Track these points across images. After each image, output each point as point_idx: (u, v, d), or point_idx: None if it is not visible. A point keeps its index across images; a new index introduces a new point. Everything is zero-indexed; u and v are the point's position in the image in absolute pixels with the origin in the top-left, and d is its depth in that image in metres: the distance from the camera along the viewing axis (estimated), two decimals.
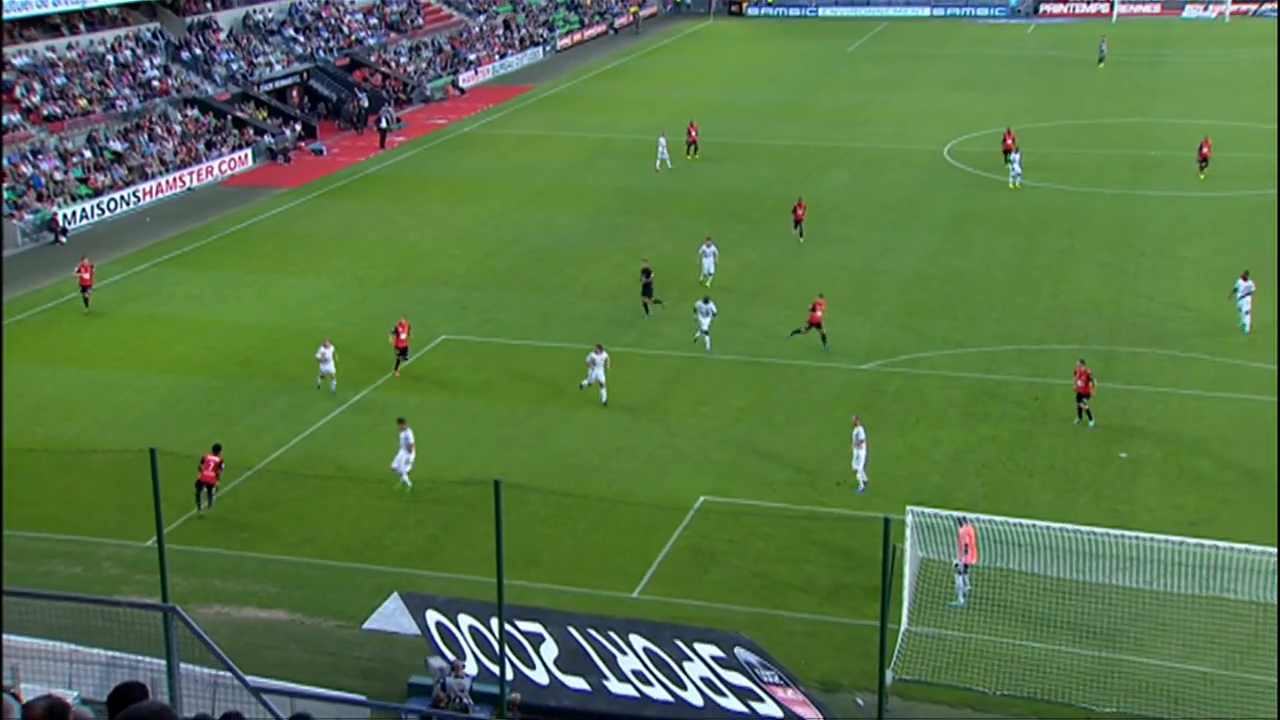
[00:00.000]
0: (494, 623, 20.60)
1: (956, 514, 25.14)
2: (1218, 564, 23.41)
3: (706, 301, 38.77)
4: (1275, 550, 23.71)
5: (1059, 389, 35.12)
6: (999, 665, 22.84)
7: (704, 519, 29.23)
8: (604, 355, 35.14)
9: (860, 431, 29.86)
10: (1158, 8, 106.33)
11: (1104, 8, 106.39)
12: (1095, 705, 21.86)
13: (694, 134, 62.50)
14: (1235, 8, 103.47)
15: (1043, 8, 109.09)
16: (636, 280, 42.80)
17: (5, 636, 12.37)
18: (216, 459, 29.66)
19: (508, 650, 20.56)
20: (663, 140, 60.81)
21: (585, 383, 35.22)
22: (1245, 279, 38.45)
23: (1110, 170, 56.91)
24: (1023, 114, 69.99)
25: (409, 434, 30.64)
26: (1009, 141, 58.13)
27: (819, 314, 38.40)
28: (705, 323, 38.32)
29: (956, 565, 24.77)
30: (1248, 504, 29.12)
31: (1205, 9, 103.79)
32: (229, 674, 12.25)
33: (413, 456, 30.53)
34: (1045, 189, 55.04)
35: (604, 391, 34.92)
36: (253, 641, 24.60)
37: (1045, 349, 37.95)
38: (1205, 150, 55.62)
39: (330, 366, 35.88)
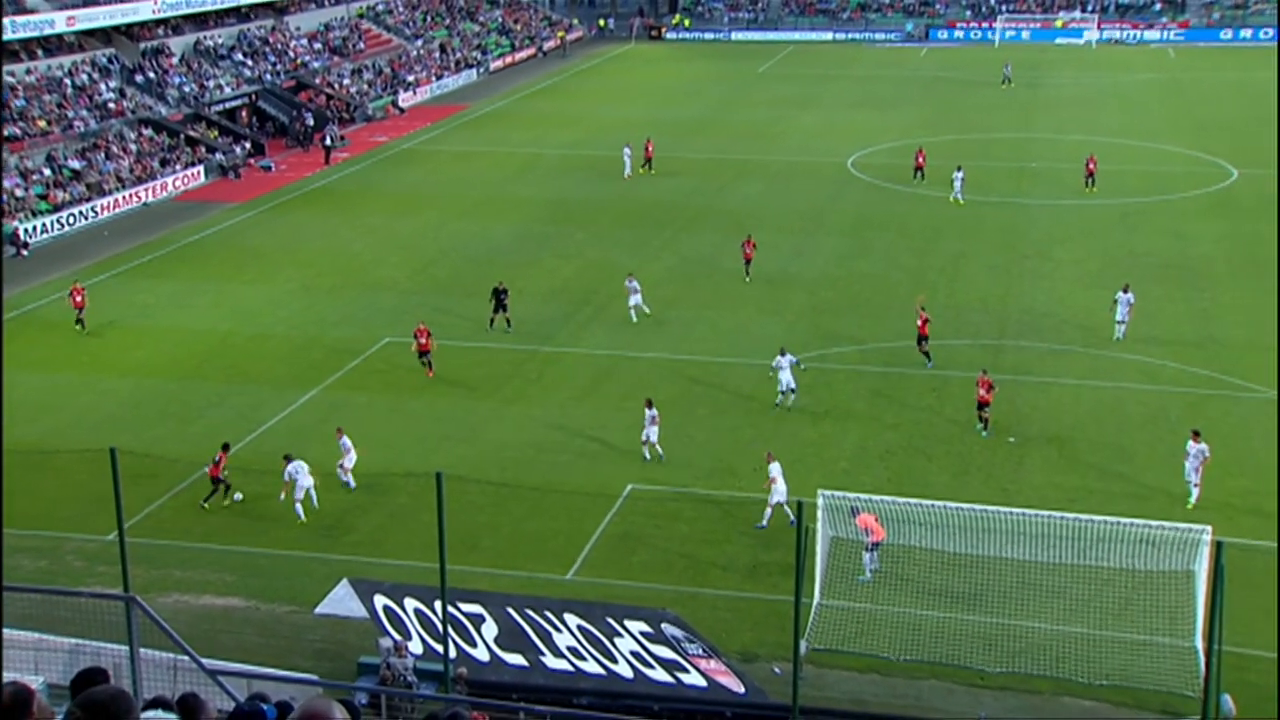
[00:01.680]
0: (437, 605, 20.49)
1: (858, 498, 25.39)
2: (1093, 536, 23.93)
3: (784, 354, 34.14)
4: (1143, 522, 24.31)
5: (954, 380, 35.62)
6: (902, 633, 23.14)
7: (632, 505, 29.26)
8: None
9: (775, 467, 28.24)
10: (1036, 26, 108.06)
11: (990, 34, 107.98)
12: (987, 666, 22.22)
13: (650, 150, 62.58)
14: (1101, 35, 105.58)
15: (934, 33, 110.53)
16: (568, 284, 42.75)
17: None
18: (222, 455, 29.53)
19: (451, 630, 20.46)
20: (627, 151, 61.55)
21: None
22: (1126, 291, 38.10)
23: (995, 181, 57.80)
24: (917, 129, 70.90)
25: (346, 440, 30.23)
26: (920, 159, 58.76)
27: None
28: (786, 378, 33.60)
29: (865, 544, 25.03)
30: (1118, 480, 29.75)
31: (1078, 36, 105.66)
32: (187, 658, 12.07)
33: (350, 461, 30.05)
34: (940, 198, 55.77)
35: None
36: (211, 627, 24.25)
37: (941, 344, 38.41)
38: (1091, 166, 56.59)
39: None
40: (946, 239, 49.83)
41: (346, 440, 30.28)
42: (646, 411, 31.22)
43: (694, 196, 57.60)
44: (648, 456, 31.12)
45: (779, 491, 27.57)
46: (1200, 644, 20.89)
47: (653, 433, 31.02)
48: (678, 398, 35.25)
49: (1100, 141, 64.79)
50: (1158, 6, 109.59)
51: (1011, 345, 38.32)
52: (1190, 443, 28.46)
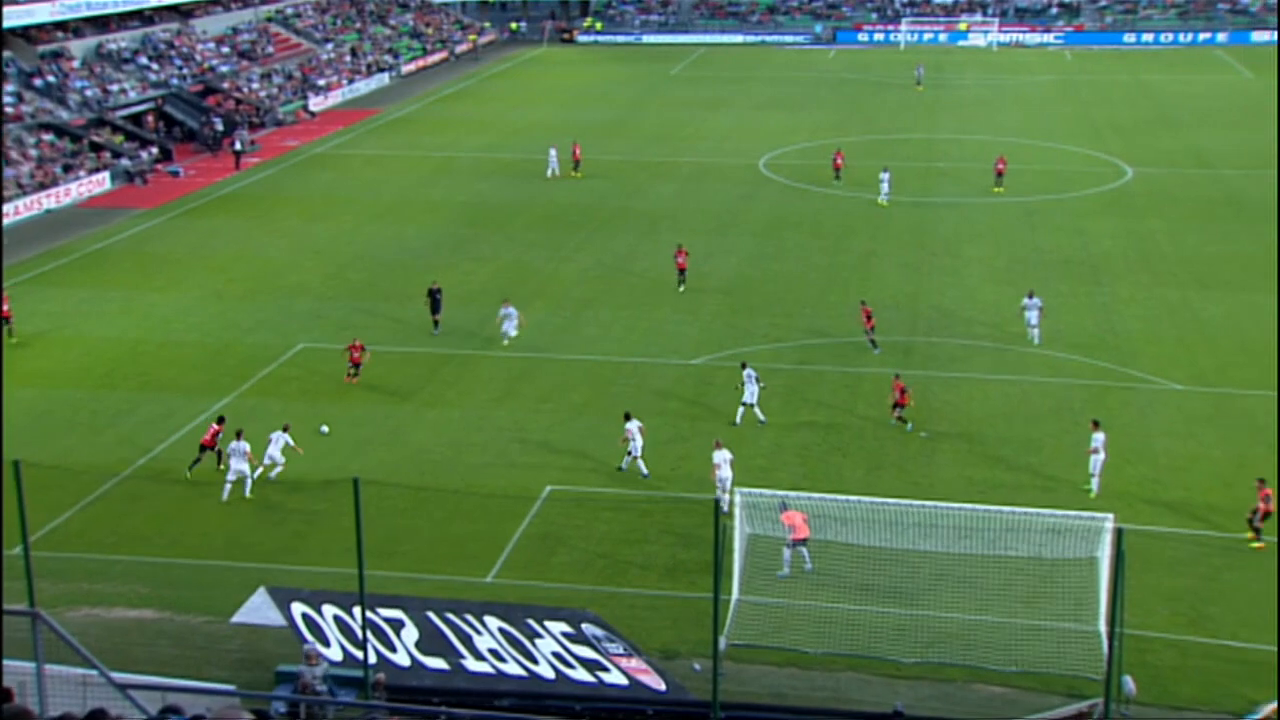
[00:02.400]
0: (357, 611, 20.25)
1: (780, 494, 25.61)
2: (1002, 526, 24.39)
3: (744, 368, 33.75)
4: (1049, 512, 24.82)
5: (867, 377, 36.09)
6: (819, 627, 23.34)
7: (551, 506, 29.18)
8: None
9: (721, 454, 28.85)
10: (940, 29, 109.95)
11: (895, 37, 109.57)
12: (902, 657, 22.52)
13: (578, 152, 62.42)
14: (1002, 38, 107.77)
15: (841, 36, 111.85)
16: (485, 287, 42.50)
17: None
18: (217, 427, 30.70)
19: (370, 636, 20.24)
20: (553, 152, 61.67)
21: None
22: (1031, 296, 38.41)
23: (904, 180, 58.59)
24: (828, 130, 71.75)
25: (244, 445, 29.72)
26: (839, 161, 59.31)
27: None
28: (751, 392, 33.08)
29: (787, 542, 25.22)
30: (1026, 472, 30.37)
31: (981, 39, 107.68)
32: (96, 673, 11.76)
33: (246, 467, 29.74)
34: (850, 197, 56.46)
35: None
36: (123, 640, 23.66)
37: (853, 341, 38.91)
38: (1001, 167, 57.66)
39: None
40: (858, 238, 50.46)
41: (245, 445, 29.77)
42: (628, 424, 30.57)
43: (609, 198, 57.64)
44: (645, 472, 30.32)
45: (723, 479, 28.06)
46: (1103, 628, 21.39)
47: (637, 445, 30.32)
48: (595, 399, 35.24)
49: (1003, 141, 66.11)
50: (1054, 10, 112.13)
51: (922, 342, 38.91)
52: (1094, 434, 29.04)
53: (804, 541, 25.17)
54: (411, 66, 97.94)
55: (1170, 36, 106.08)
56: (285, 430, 30.58)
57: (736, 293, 44.06)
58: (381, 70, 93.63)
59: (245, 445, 29.61)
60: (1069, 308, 41.47)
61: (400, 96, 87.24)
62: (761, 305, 42.73)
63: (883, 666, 22.50)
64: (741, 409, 33.23)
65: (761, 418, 33.16)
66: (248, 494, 29.52)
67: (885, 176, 55.14)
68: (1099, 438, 28.78)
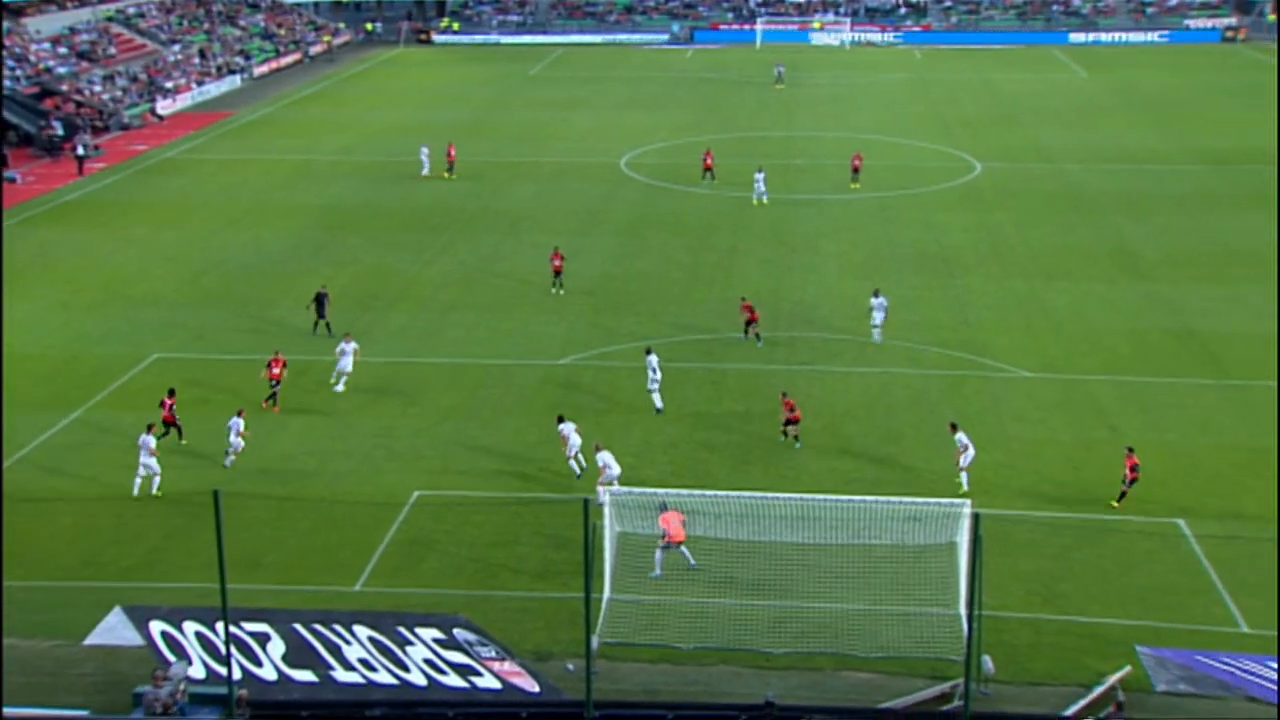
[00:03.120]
0: (220, 626, 19.71)
1: (643, 492, 25.77)
2: (867, 516, 25.01)
3: (650, 353, 34.37)
4: (910, 500, 25.53)
5: (732, 374, 36.57)
6: (691, 622, 23.57)
7: (419, 512, 28.85)
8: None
9: (604, 455, 29.03)
10: (794, 28, 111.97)
11: (752, 36, 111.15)
12: (773, 648, 22.88)
13: (452, 154, 61.72)
14: (853, 36, 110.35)
15: (698, 35, 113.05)
16: (345, 292, 41.74)
17: None
18: (170, 400, 31.91)
19: (235, 651, 19.73)
20: (425, 151, 61.26)
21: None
22: (878, 295, 38.78)
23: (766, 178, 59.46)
24: (686, 129, 72.47)
25: (151, 440, 29.62)
26: (708, 160, 59.80)
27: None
28: (652, 379, 33.74)
29: (661, 544, 25.35)
30: (888, 461, 31.16)
31: (834, 38, 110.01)
32: None
33: (155, 462, 29.52)
34: (715, 196, 57.09)
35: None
36: None
37: (719, 338, 39.39)
38: (857, 163, 58.93)
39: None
40: (720, 235, 51.07)
41: (150, 442, 29.44)
42: (562, 426, 30.43)
43: (470, 199, 57.24)
44: (578, 471, 30.14)
45: (610, 476, 28.32)
46: (963, 611, 22.08)
47: (574, 445, 30.14)
48: (461, 403, 34.95)
49: (859, 138, 67.68)
50: (902, 10, 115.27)
51: (784, 337, 39.57)
52: (956, 436, 29.61)
53: (680, 544, 25.34)
54: (264, 68, 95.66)
55: (1008, 37, 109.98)
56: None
57: (601, 292, 44.17)
58: (232, 72, 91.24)
59: (152, 440, 29.38)
60: (924, 300, 42.67)
61: (253, 99, 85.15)
62: (626, 304, 42.93)
63: (754, 659, 22.84)
64: (657, 396, 33.96)
65: (659, 405, 33.75)
66: (155, 491, 29.15)
67: (760, 176, 55.78)
68: (961, 437, 29.41)
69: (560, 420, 30.82)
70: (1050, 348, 38.35)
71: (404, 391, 35.70)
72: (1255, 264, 46.03)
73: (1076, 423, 33.13)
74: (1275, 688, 20.43)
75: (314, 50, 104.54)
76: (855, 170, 58.63)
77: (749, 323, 38.71)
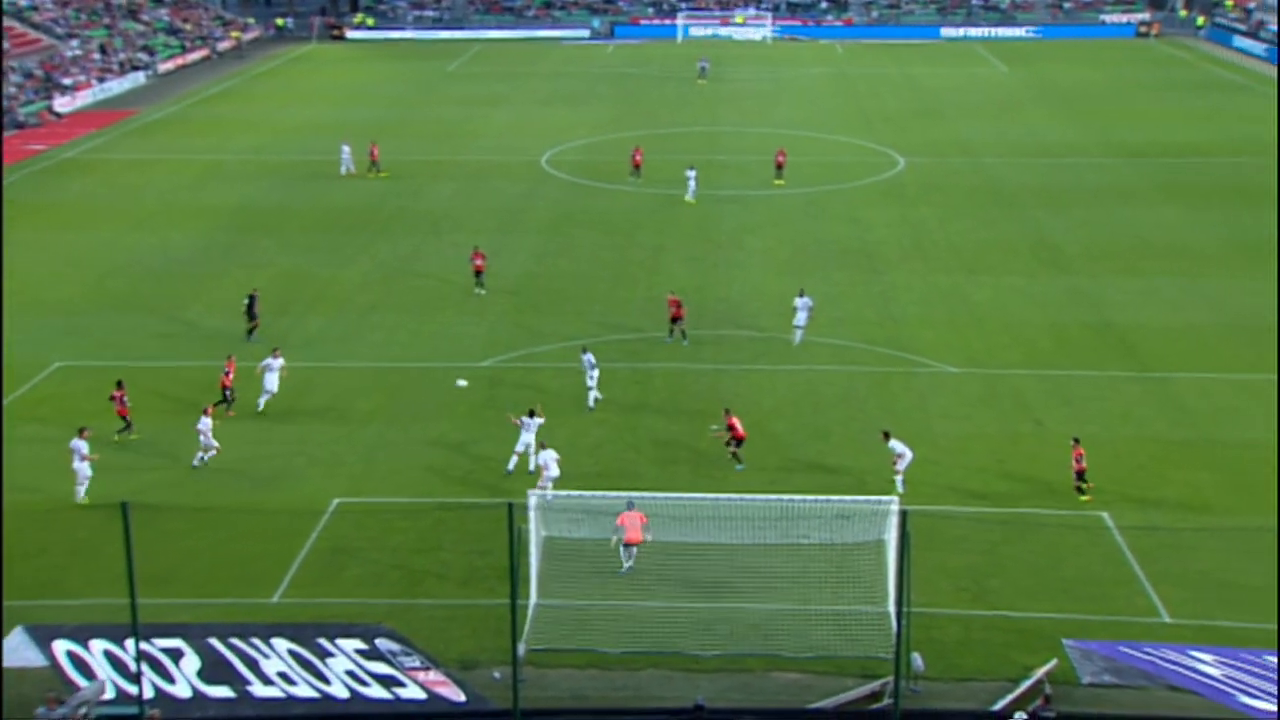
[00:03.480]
0: (130, 644, 19.31)
1: (569, 495, 25.73)
2: (795, 515, 25.25)
3: (585, 352, 34.71)
4: (838, 499, 25.79)
5: (658, 373, 36.66)
6: (619, 626, 23.60)
7: (340, 519, 28.53)
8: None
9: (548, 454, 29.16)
10: (716, 22, 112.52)
11: (673, 31, 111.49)
12: (702, 651, 22.99)
13: (375, 153, 61.04)
14: (775, 31, 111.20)
15: (619, 30, 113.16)
16: (260, 296, 41.01)
17: None
18: (120, 393, 32.08)
19: (146, 669, 19.35)
20: (345, 149, 60.70)
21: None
22: (802, 295, 38.76)
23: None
24: (609, 125, 72.52)
25: (83, 444, 29.26)
26: (637, 158, 59.66)
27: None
28: (593, 377, 34.15)
29: (614, 541, 25.30)
30: (816, 459, 31.43)
31: (756, 32, 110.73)
32: None
33: (87, 466, 29.15)
34: (636, 193, 57.16)
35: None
36: None
37: (644, 337, 39.46)
38: (781, 159, 59.35)
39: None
40: (645, 232, 51.16)
41: (83, 446, 29.19)
42: (529, 420, 30.51)
43: (388, 199, 56.72)
44: (531, 467, 30.05)
45: (549, 477, 28.32)
46: (893, 608, 22.37)
47: (529, 440, 30.26)
48: (382, 407, 34.63)
49: (782, 134, 68.20)
50: (824, 4, 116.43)
51: (710, 335, 39.75)
52: (890, 443, 29.79)
53: (633, 546, 25.28)
54: (170, 65, 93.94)
55: (929, 31, 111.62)
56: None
57: (524, 292, 44.02)
58: (136, 69, 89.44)
59: (84, 445, 28.97)
60: (849, 297, 43.13)
61: (159, 97, 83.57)
62: (550, 304, 42.83)
63: (683, 661, 22.92)
64: (592, 394, 34.06)
65: (592, 400, 33.99)
66: (82, 499, 28.91)
67: (691, 174, 55.84)
68: (895, 445, 29.59)
69: (531, 414, 30.85)
70: (974, 342, 38.98)
71: (322, 397, 35.27)
72: (1169, 256, 47.23)
73: (1001, 417, 33.71)
74: (1196, 676, 21.00)
75: (222, 46, 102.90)
76: (779, 166, 59.09)
77: (674, 319, 38.75)
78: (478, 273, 43.78)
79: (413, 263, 47.53)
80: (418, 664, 20.51)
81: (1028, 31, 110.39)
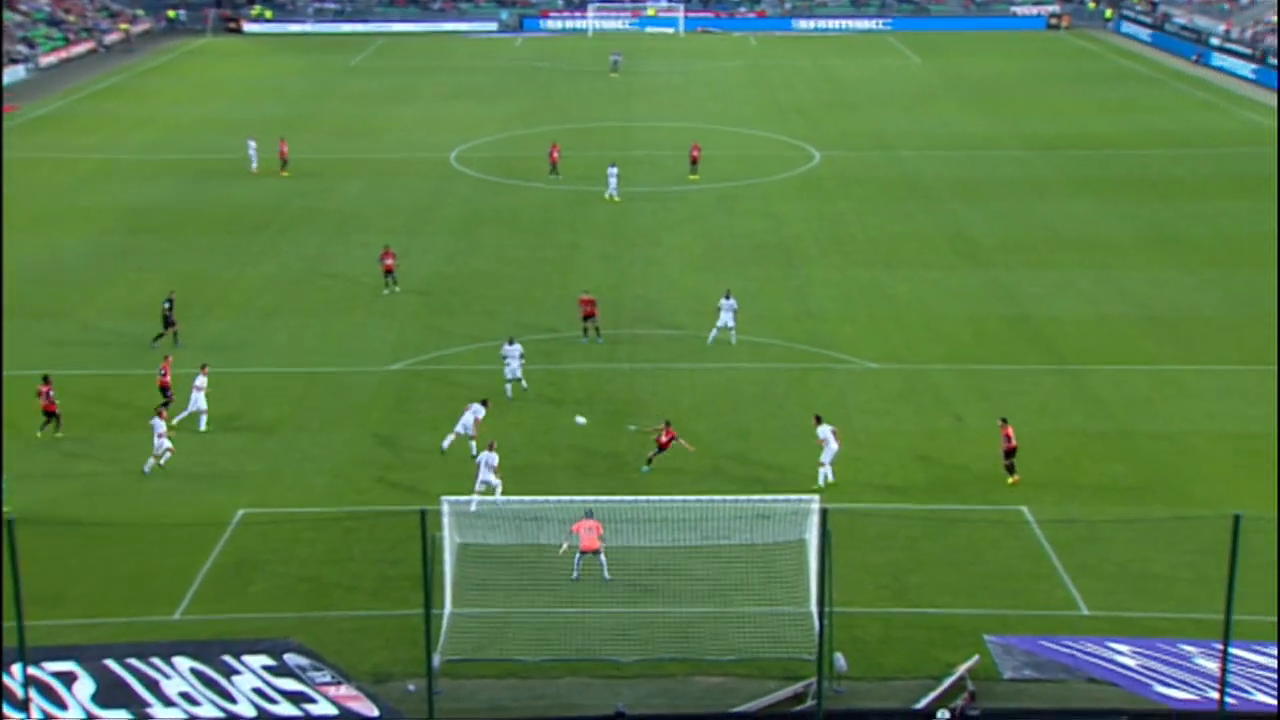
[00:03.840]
0: (16, 669, 18.77)
1: (482, 500, 25.54)
2: (715, 516, 25.36)
3: (512, 343, 34.98)
4: (759, 498, 25.93)
5: (573, 374, 36.58)
6: (537, 634, 23.49)
7: (245, 531, 28.01)
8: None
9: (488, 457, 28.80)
10: (624, 22, 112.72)
11: (584, 23, 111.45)
12: (621, 656, 22.97)
13: (285, 150, 60.13)
14: (688, 23, 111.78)
15: (528, 23, 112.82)
16: (155, 299, 40.22)
17: None
18: (46, 388, 32.13)
19: (34, 694, 18.82)
20: (252, 145, 59.88)
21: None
22: (728, 298, 38.62)
23: (600, 169, 59.58)
24: (519, 120, 72.26)
25: None
26: (554, 154, 59.34)
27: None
28: (516, 366, 34.63)
29: (575, 546, 25.16)
30: (736, 459, 31.58)
31: (669, 25, 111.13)
32: None
33: None
34: (549, 190, 57.00)
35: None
36: None
37: (558, 337, 39.35)
38: (695, 154, 59.58)
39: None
40: (558, 230, 51.03)
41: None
42: (479, 409, 30.89)
43: (292, 198, 55.90)
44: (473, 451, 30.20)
45: (490, 483, 28.13)
46: (814, 609, 22.55)
47: (470, 425, 30.63)
48: (287, 414, 34.12)
49: (696, 128, 68.50)
50: None
51: (627, 334, 39.77)
52: (819, 428, 30.01)
53: (591, 553, 25.05)
54: (51, 58, 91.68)
55: (842, 23, 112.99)
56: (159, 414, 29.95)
57: (434, 293, 43.66)
58: (15, 62, 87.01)
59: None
60: (766, 292, 43.43)
61: (40, 92, 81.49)
62: (461, 305, 42.53)
63: (603, 668, 22.87)
64: (509, 386, 34.46)
65: (510, 391, 34.40)
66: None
67: (613, 171, 55.69)
68: (823, 430, 29.85)
69: (485, 403, 31.21)
70: (893, 337, 39.48)
71: (224, 404, 34.55)
72: (1083, 249, 48.30)
73: (921, 413, 34.18)
74: (1114, 668, 21.51)
75: (110, 39, 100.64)
76: (694, 161, 59.34)
77: (587, 317, 38.67)
78: (388, 272, 43.33)
79: (319, 264, 46.90)
80: (328, 679, 20.24)
81: (833, 24, 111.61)
